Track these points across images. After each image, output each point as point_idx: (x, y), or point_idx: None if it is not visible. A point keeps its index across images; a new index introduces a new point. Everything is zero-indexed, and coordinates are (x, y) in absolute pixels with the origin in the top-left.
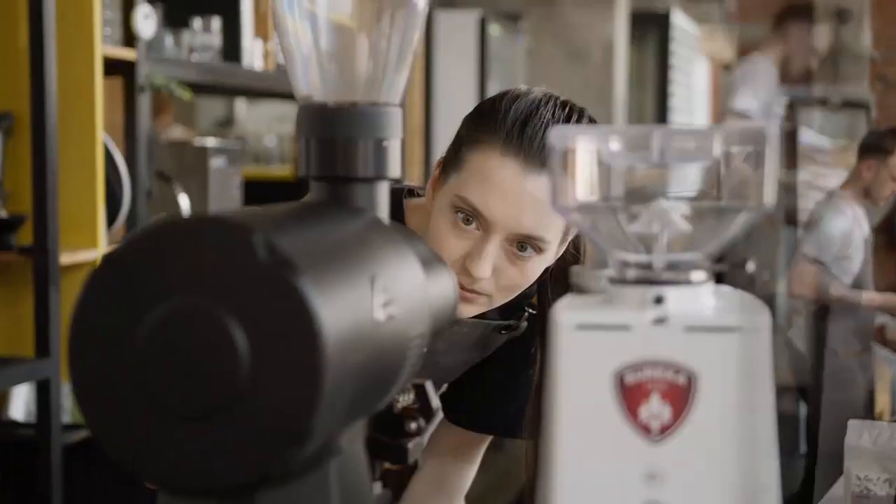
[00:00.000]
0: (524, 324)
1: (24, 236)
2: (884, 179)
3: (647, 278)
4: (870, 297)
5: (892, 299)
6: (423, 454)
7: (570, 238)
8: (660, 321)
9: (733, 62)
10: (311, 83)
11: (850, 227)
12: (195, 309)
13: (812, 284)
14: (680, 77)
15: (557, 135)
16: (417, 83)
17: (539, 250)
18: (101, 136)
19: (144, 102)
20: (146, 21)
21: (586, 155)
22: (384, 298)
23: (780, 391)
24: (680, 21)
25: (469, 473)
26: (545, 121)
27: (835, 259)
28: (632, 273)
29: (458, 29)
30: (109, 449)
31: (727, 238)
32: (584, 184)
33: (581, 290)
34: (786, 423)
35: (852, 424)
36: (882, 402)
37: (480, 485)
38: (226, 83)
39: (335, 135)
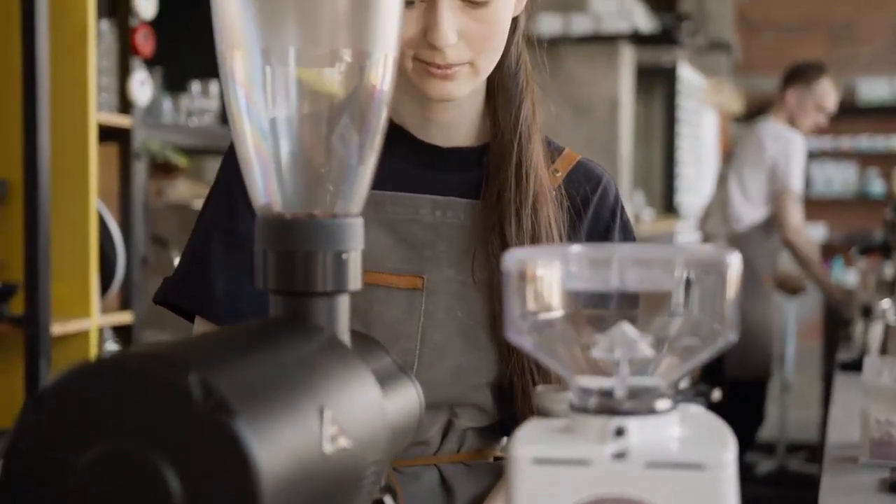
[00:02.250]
0: None
1: (16, 305)
2: (807, 108)
3: (609, 407)
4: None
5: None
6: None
7: None
8: (620, 456)
9: (741, 113)
10: (269, 193)
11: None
12: (128, 452)
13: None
14: (687, 129)
15: (513, 258)
16: None
17: None
18: (94, 204)
19: (140, 169)
20: (142, 88)
21: (543, 278)
22: (334, 430)
23: None
24: (687, 74)
25: None
26: None
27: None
28: (592, 401)
29: None
30: None
31: (691, 366)
32: (540, 307)
33: (544, 413)
34: None
35: (869, 360)
36: None
37: None
38: (224, 147)
39: (293, 247)
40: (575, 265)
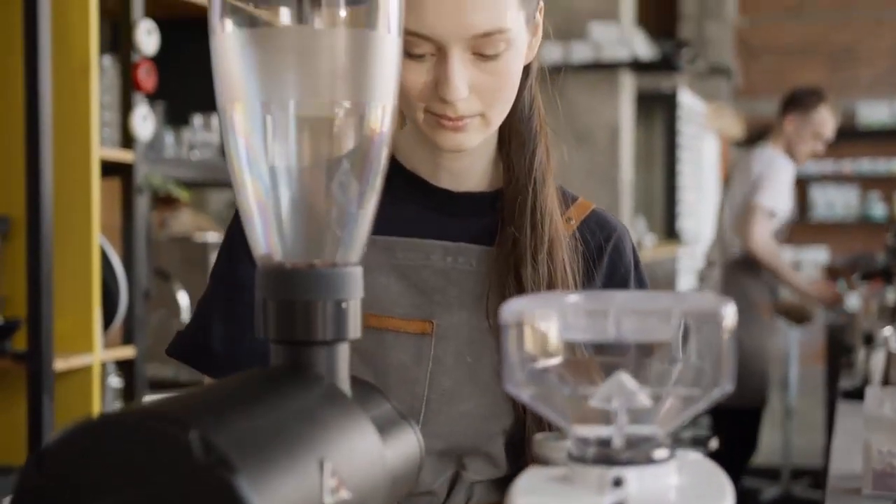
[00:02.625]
0: None
1: (19, 341)
2: (805, 136)
3: (607, 457)
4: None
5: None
6: None
7: (538, 15)
8: None
9: (742, 137)
10: (269, 243)
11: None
12: None
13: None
14: (688, 154)
15: (510, 309)
16: None
17: (506, 43)
18: (97, 239)
19: (142, 203)
20: (144, 123)
21: (540, 329)
22: (334, 482)
23: None
24: (687, 99)
25: None
26: None
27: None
28: (591, 451)
29: None
30: None
31: (690, 415)
32: (538, 357)
33: (543, 461)
34: None
35: (871, 391)
36: None
37: None
38: (226, 180)
39: (293, 297)
40: (572, 316)
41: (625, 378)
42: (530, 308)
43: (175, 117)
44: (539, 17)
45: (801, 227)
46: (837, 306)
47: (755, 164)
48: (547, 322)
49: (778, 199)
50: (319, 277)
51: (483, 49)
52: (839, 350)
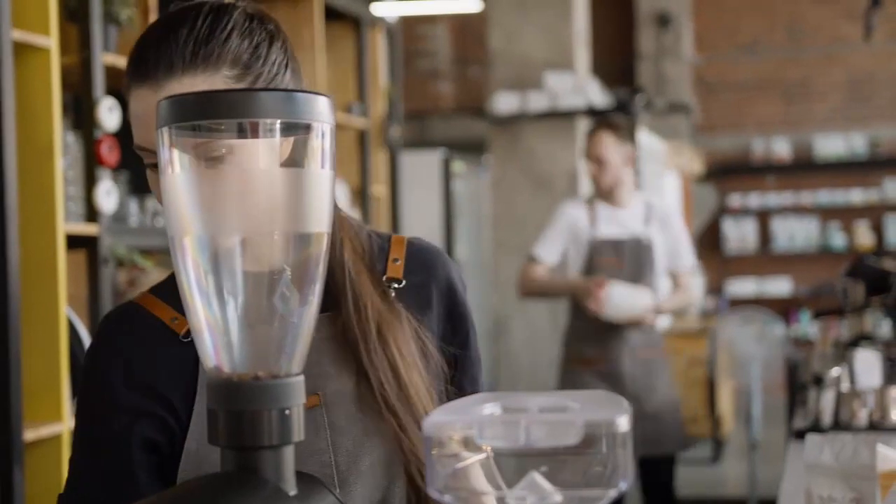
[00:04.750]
0: None
1: None
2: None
3: None
4: None
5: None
6: None
7: None
8: None
9: (702, 173)
10: (218, 357)
11: None
12: None
13: None
14: (649, 193)
15: (431, 422)
16: (384, 220)
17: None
18: (64, 310)
19: (107, 275)
20: (108, 197)
21: (459, 439)
22: None
23: None
24: (645, 140)
25: None
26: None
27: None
28: None
29: (424, 166)
30: None
31: None
32: (458, 463)
33: None
34: None
35: (811, 439)
36: None
37: None
38: None
39: (241, 407)
40: (488, 427)
41: (537, 478)
42: (450, 422)
43: (139, 187)
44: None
45: (764, 259)
46: (599, 296)
47: None
48: (465, 432)
49: (543, 244)
50: (265, 388)
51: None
52: (795, 385)
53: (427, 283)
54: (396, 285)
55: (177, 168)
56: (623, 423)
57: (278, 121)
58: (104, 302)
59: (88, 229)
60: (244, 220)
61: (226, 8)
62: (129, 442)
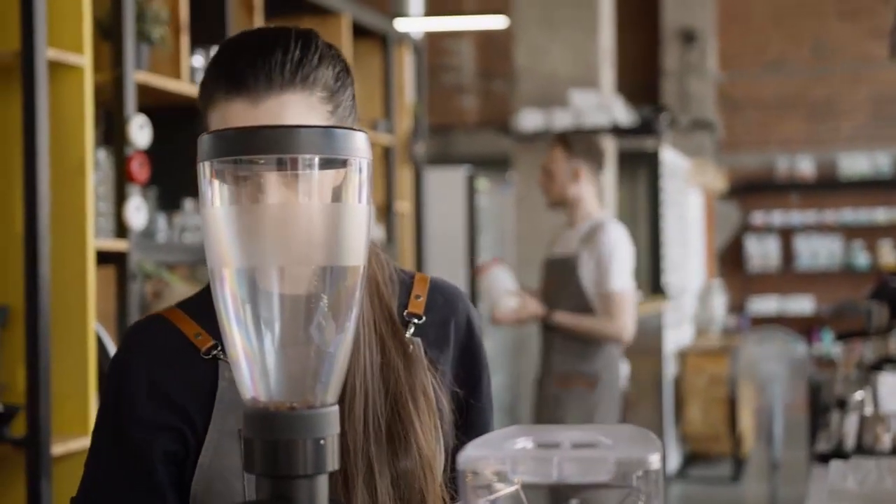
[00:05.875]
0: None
1: (18, 427)
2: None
3: None
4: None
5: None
6: None
7: None
8: None
9: (725, 190)
10: (255, 387)
11: None
12: None
13: None
14: (673, 210)
15: (466, 457)
16: (409, 237)
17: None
18: (93, 326)
19: (135, 290)
20: (137, 213)
21: (493, 473)
22: None
23: None
24: (669, 157)
25: None
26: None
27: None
28: None
29: (448, 182)
30: None
31: None
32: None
33: None
34: None
35: (835, 465)
36: None
37: None
38: None
39: (276, 436)
40: (521, 463)
41: None
42: (483, 457)
43: (167, 202)
44: None
45: (787, 277)
46: (483, 271)
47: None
48: (499, 466)
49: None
50: (300, 418)
51: None
52: (818, 406)
53: (447, 321)
54: (417, 321)
55: (217, 202)
56: (655, 460)
57: (317, 156)
58: (132, 317)
59: (118, 245)
60: (283, 253)
61: (311, 34)
62: (149, 453)
